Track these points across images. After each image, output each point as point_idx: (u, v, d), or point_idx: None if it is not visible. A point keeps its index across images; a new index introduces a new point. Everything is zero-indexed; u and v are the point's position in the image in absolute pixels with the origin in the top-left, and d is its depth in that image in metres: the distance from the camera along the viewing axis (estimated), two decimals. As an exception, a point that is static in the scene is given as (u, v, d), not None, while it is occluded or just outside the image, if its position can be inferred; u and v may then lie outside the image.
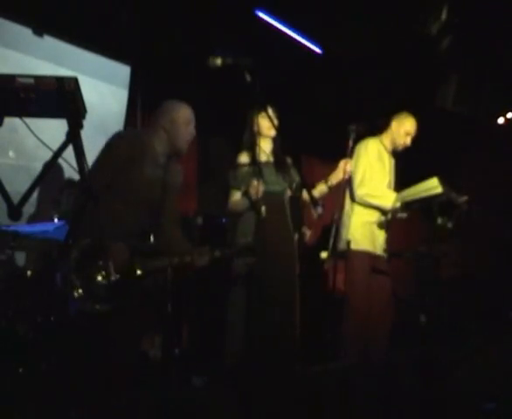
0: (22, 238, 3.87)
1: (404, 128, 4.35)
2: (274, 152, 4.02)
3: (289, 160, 4.13)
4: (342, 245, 4.23)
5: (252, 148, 3.88)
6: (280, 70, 5.44)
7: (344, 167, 3.85)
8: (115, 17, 4.94)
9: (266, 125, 3.89)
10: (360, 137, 4.23)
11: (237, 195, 3.96)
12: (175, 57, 5.45)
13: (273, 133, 3.92)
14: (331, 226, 3.91)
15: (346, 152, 3.92)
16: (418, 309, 4.19)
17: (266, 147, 4.00)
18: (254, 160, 3.84)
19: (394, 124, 4.39)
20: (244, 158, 3.95)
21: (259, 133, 3.89)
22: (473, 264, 5.66)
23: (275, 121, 3.82)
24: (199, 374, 4.21)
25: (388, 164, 4.42)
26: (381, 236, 4.34)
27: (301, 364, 3.92)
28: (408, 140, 4.36)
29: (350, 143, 3.85)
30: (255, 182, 3.66)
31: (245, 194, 3.86)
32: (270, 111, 3.76)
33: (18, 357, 3.31)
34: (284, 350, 3.80)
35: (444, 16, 4.81)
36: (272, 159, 4.01)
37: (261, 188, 3.64)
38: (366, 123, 3.95)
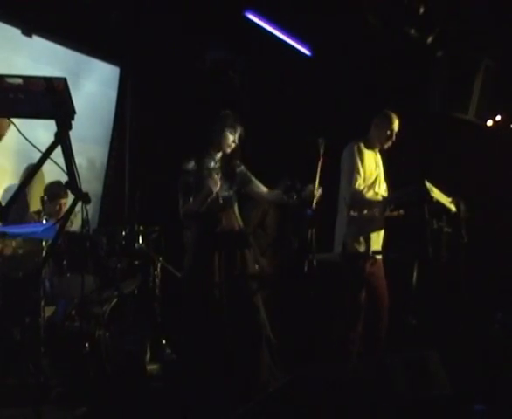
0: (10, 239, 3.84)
1: (387, 125, 4.41)
2: (222, 160, 4.06)
3: (241, 167, 4.13)
4: (337, 248, 4.25)
5: (201, 155, 4.02)
6: (269, 71, 5.45)
7: (315, 191, 3.82)
8: (105, 17, 4.93)
9: (227, 142, 3.99)
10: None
11: (189, 200, 4.00)
12: (164, 58, 5.43)
13: (228, 150, 4.01)
14: (321, 228, 3.91)
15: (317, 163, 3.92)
16: (408, 310, 4.20)
17: (215, 155, 4.06)
18: (202, 165, 3.96)
19: (377, 122, 4.44)
20: (191, 165, 4.01)
21: (220, 145, 4.01)
22: (466, 266, 5.68)
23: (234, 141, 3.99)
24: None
25: (374, 162, 4.46)
26: (377, 237, 4.36)
27: (301, 364, 3.95)
28: (393, 136, 4.42)
29: (321, 154, 3.86)
30: (215, 176, 3.85)
31: (202, 190, 3.89)
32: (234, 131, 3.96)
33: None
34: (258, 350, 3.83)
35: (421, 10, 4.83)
36: (218, 165, 4.05)
37: (219, 182, 3.83)
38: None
